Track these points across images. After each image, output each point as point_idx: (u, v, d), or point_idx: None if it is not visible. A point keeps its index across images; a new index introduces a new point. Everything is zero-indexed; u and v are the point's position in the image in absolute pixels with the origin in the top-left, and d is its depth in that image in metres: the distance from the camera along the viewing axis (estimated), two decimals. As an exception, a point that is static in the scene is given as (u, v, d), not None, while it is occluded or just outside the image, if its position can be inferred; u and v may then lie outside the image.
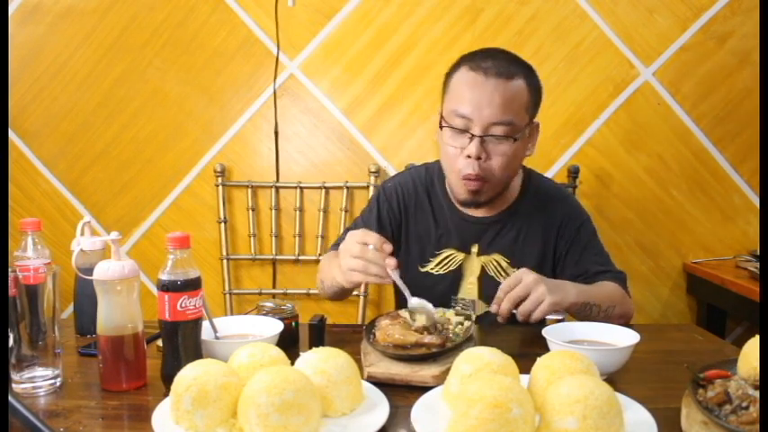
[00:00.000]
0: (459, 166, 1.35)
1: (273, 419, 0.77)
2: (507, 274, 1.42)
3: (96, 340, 1.01)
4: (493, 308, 1.24)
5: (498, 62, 1.32)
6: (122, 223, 2.29)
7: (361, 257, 1.15)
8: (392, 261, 1.14)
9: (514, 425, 0.73)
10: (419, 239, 1.50)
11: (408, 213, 1.53)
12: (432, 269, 1.48)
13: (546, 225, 1.47)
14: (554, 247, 1.47)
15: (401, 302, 1.51)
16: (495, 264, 1.45)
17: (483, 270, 1.46)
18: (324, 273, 1.42)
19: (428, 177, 1.53)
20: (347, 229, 1.54)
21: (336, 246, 1.47)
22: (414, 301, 1.14)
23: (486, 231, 1.47)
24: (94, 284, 0.99)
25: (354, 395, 0.89)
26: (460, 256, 1.47)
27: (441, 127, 1.38)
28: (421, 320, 1.13)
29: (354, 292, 2.22)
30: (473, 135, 1.31)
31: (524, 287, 1.21)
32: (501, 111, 1.30)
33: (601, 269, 1.44)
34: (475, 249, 1.47)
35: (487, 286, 1.43)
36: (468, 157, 1.32)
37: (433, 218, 1.50)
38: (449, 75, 1.39)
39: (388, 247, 1.15)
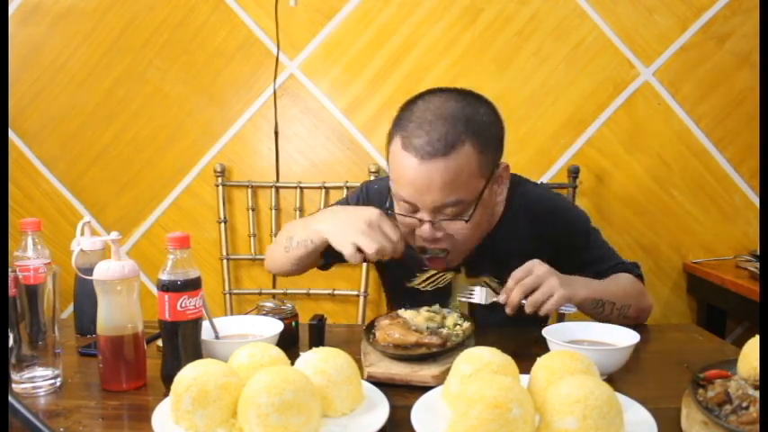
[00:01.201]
0: (415, 242, 1.25)
1: (273, 419, 0.77)
2: (497, 294, 1.25)
3: (96, 340, 1.01)
4: (501, 297, 1.16)
5: (434, 133, 1.14)
6: (122, 223, 2.29)
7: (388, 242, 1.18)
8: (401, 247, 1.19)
9: (514, 425, 0.73)
10: (408, 253, 1.36)
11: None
12: (418, 285, 1.36)
13: (540, 239, 1.36)
14: (555, 258, 1.33)
15: (393, 305, 1.48)
16: (485, 285, 1.31)
17: None
18: (299, 232, 1.30)
19: None
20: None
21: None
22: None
23: (473, 252, 1.33)
24: (94, 284, 0.99)
25: (354, 395, 0.89)
26: (449, 275, 1.35)
27: (387, 210, 1.24)
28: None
29: (354, 292, 2.22)
30: (421, 220, 1.20)
31: (536, 278, 1.15)
32: (445, 194, 1.16)
33: (611, 264, 1.39)
34: (463, 270, 1.36)
35: (478, 306, 1.32)
36: (422, 237, 1.22)
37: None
38: (389, 135, 1.24)
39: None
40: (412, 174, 1.16)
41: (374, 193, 1.45)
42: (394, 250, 1.19)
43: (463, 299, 1.25)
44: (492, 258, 1.35)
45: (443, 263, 1.27)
